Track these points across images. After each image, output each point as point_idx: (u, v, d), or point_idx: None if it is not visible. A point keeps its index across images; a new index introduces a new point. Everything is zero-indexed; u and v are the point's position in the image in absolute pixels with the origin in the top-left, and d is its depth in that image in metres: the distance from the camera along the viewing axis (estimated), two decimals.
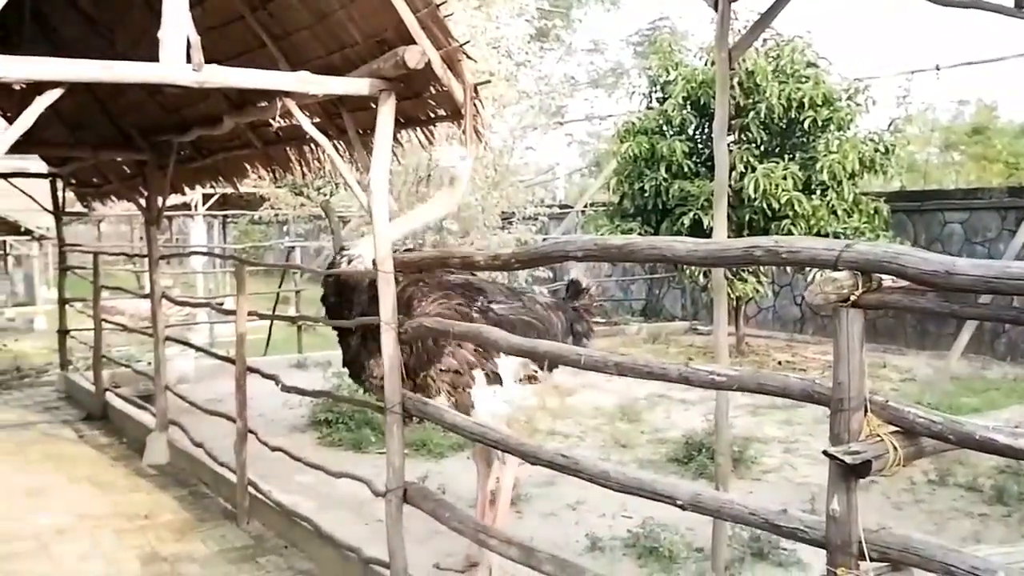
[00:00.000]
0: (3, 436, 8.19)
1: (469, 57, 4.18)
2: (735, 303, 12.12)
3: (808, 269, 9.52)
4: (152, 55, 3.83)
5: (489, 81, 7.52)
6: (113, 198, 9.73)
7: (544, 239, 13.81)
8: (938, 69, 17.23)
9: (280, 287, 13.93)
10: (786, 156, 11.46)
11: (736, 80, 10.76)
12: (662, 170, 11.57)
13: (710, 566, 4.63)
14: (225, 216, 27.65)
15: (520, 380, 4.51)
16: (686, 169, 11.55)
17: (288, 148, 6.11)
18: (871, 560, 2.31)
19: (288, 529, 5.48)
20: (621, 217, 12.35)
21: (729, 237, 4.36)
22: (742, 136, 11.53)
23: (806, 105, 11.09)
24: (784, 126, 11.57)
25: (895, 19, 46.67)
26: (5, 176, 9.75)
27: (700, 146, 11.93)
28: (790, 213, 10.91)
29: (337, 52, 4.60)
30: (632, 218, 12.21)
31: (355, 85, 4.21)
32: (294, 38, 4.86)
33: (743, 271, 11.46)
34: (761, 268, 11.28)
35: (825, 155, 11.03)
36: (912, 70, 14.49)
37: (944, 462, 6.38)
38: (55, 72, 3.66)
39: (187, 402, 7.28)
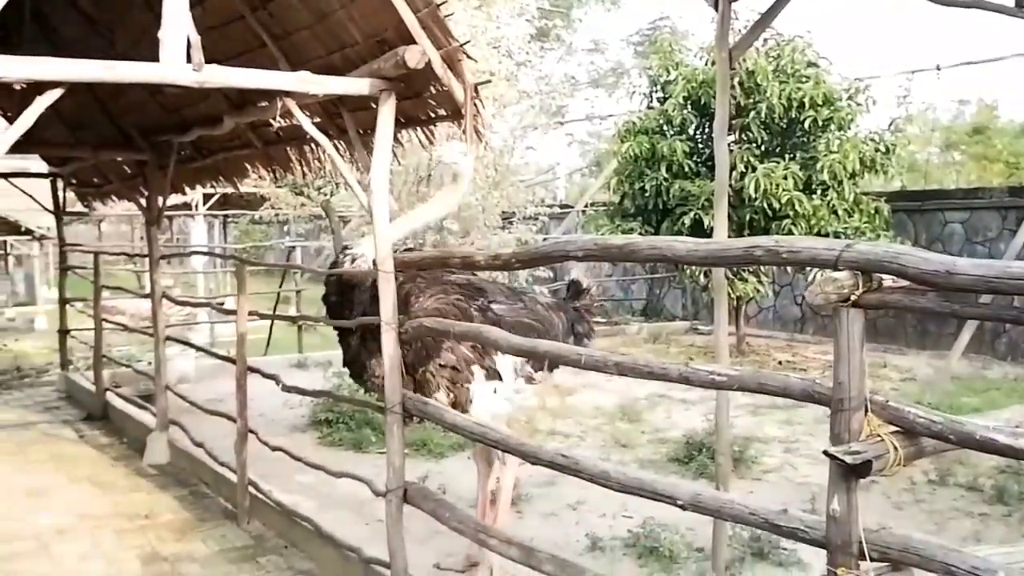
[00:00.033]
0: (3, 436, 8.19)
1: (469, 57, 4.18)
2: (736, 303, 12.12)
3: (809, 269, 9.52)
4: (152, 55, 3.83)
5: (489, 81, 7.52)
6: (113, 198, 9.74)
7: (544, 239, 13.81)
8: (938, 69, 17.23)
9: (281, 287, 13.93)
10: (787, 156, 11.47)
11: (736, 80, 10.77)
12: (663, 170, 11.58)
13: (710, 566, 4.63)
14: (225, 216, 27.65)
15: (519, 378, 4.52)
16: (686, 169, 11.55)
17: (288, 148, 6.11)
18: (871, 560, 2.31)
19: (288, 529, 5.48)
20: (621, 217, 12.36)
21: (729, 237, 4.36)
22: (742, 136, 11.54)
23: (806, 105, 11.10)
24: (784, 126, 11.58)
25: (895, 19, 46.67)
26: (6, 176, 9.75)
27: (700, 146, 11.93)
28: (790, 213, 10.92)
29: (337, 52, 4.60)
30: (632, 218, 12.22)
31: (355, 85, 4.21)
32: (294, 38, 4.86)
33: (744, 271, 11.46)
34: (762, 268, 11.28)
35: (826, 155, 11.03)
36: (912, 70, 14.50)
37: (944, 462, 6.38)
38: (55, 72, 3.66)
39: (187, 402, 7.28)
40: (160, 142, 7.08)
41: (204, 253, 16.87)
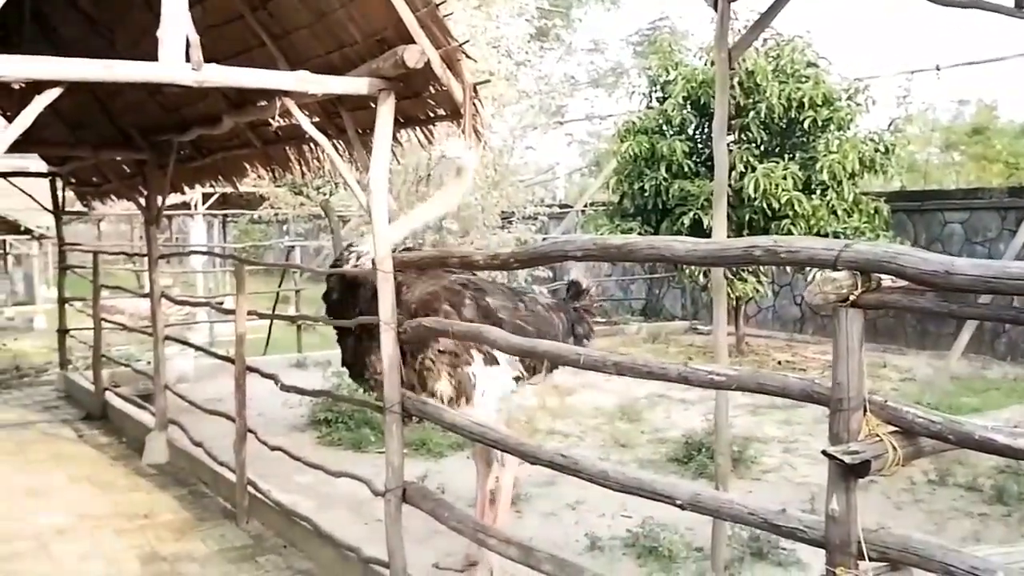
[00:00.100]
0: (3, 436, 8.18)
1: (469, 56, 4.18)
2: (735, 303, 12.13)
3: (808, 269, 9.52)
4: (152, 55, 3.83)
5: (489, 81, 7.52)
6: (113, 197, 9.73)
7: (544, 239, 13.80)
8: (938, 69, 17.23)
9: (280, 286, 13.94)
10: (786, 156, 11.47)
11: (736, 80, 10.76)
12: (662, 170, 11.58)
13: (710, 566, 4.63)
14: (225, 215, 27.66)
15: (517, 370, 4.52)
16: (686, 169, 11.55)
17: (288, 147, 6.11)
18: (870, 560, 2.31)
19: (287, 528, 5.48)
20: (621, 217, 12.36)
21: (729, 237, 4.36)
22: (742, 136, 11.54)
23: (806, 105, 11.10)
24: (784, 126, 11.58)
25: (895, 19, 46.70)
26: (5, 175, 9.74)
27: (700, 146, 11.94)
28: (790, 213, 10.92)
29: (336, 51, 4.60)
30: (632, 218, 12.22)
31: (354, 84, 4.21)
32: (293, 37, 4.86)
33: (743, 271, 11.47)
34: (761, 268, 11.28)
35: (825, 155, 11.03)
36: (912, 70, 14.54)
37: (944, 462, 6.38)
38: (55, 72, 3.66)
39: (186, 401, 7.28)
40: (159, 141, 7.07)
41: (203, 252, 16.89)
